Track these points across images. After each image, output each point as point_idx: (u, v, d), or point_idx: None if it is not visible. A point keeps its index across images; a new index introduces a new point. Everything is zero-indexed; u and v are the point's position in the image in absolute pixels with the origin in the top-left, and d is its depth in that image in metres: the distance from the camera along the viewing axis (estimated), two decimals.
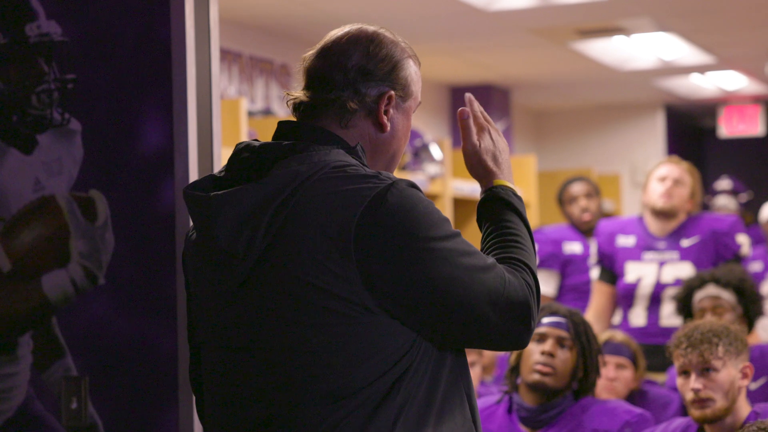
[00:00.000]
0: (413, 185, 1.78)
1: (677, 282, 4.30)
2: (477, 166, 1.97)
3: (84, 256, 2.47)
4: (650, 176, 4.53)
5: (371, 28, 1.89)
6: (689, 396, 2.83)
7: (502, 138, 2.01)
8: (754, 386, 3.64)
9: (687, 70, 8.08)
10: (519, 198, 1.95)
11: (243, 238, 1.76)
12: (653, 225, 4.49)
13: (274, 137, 1.88)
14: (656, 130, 9.64)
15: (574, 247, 5.33)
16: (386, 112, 1.87)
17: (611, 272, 4.56)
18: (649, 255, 4.46)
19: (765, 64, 7.58)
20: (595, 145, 9.65)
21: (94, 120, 2.49)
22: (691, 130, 10.74)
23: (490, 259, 1.81)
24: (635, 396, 3.78)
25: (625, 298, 4.48)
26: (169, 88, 2.44)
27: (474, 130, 1.98)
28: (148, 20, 2.45)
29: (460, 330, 1.78)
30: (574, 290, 5.25)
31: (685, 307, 3.74)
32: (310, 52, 1.90)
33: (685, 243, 4.44)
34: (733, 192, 7.46)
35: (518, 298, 1.79)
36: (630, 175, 9.50)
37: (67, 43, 2.49)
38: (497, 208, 1.92)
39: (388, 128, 1.88)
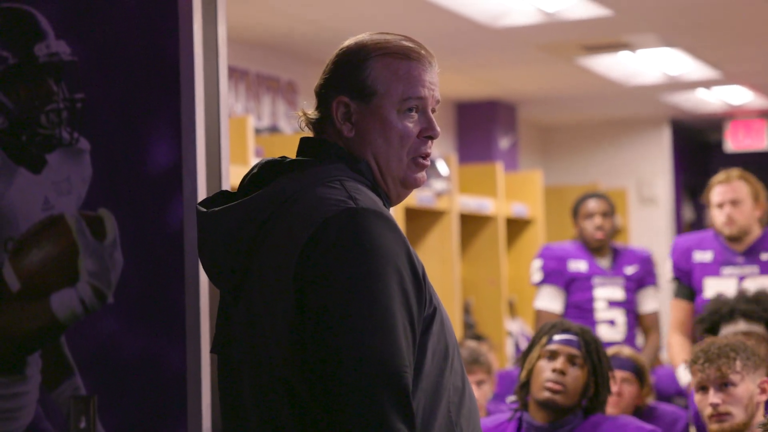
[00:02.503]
0: (389, 220, 1.73)
1: None
2: None
3: (93, 274, 2.47)
4: (709, 199, 4.39)
5: (357, 37, 1.90)
6: (708, 411, 2.82)
7: None
8: None
9: (693, 85, 8.08)
10: None
11: (229, 254, 1.80)
12: (731, 242, 4.41)
13: (297, 153, 1.91)
14: (662, 144, 9.63)
15: (579, 265, 5.31)
16: (349, 118, 1.86)
17: (689, 288, 4.48)
18: (728, 270, 4.37)
19: None
20: (602, 160, 9.64)
21: (103, 139, 2.50)
22: (697, 145, 10.73)
23: (403, 355, 1.67)
24: (644, 413, 3.77)
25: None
26: (178, 107, 2.44)
27: None
28: (156, 39, 2.46)
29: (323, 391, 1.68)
30: (577, 308, 5.23)
31: (711, 334, 3.63)
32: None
33: (765, 257, 4.35)
34: None
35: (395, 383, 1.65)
36: (636, 190, 9.49)
37: (75, 63, 2.50)
38: None
39: (349, 132, 1.85)
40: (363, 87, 1.86)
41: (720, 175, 4.44)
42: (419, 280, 1.74)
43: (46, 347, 2.51)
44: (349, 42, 1.91)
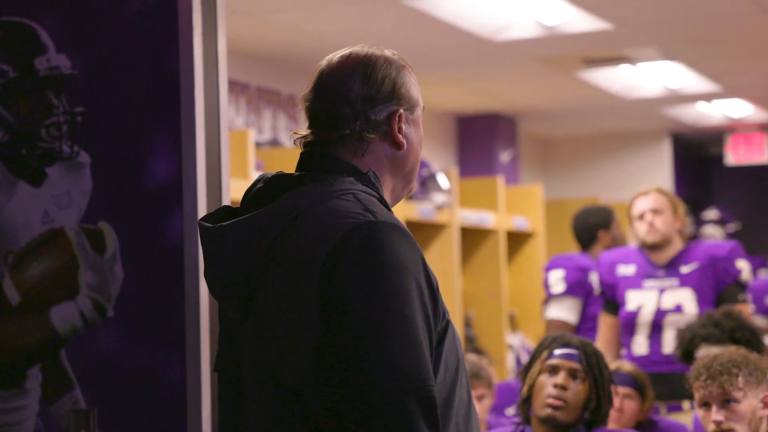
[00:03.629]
0: (398, 227, 1.73)
1: (678, 308, 4.30)
2: None
3: (93, 288, 2.47)
4: (630, 214, 4.53)
5: (361, 50, 1.88)
6: (711, 428, 2.81)
7: None
8: None
9: (693, 98, 8.09)
10: None
11: (241, 269, 1.77)
12: (652, 254, 4.49)
13: (297, 167, 1.88)
14: (663, 157, 9.64)
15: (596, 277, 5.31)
16: (399, 130, 1.86)
17: (614, 303, 4.55)
18: (649, 283, 4.46)
19: None
20: (602, 173, 9.65)
21: (103, 152, 2.50)
22: (697, 158, 10.73)
23: (426, 363, 1.68)
24: (645, 427, 3.76)
25: (626, 327, 4.46)
26: (178, 120, 2.44)
27: None
28: (156, 53, 2.46)
29: (347, 401, 1.67)
30: (594, 319, 5.24)
31: (687, 362, 3.67)
32: (308, 90, 1.88)
33: (685, 269, 4.43)
34: (721, 222, 7.45)
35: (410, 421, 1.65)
36: None
37: (76, 77, 2.51)
38: None
39: (405, 145, 1.87)
40: (409, 98, 1.87)
41: (641, 190, 4.56)
42: (435, 293, 1.75)
43: (46, 361, 2.50)
44: (358, 56, 1.87)
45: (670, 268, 4.45)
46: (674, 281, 4.42)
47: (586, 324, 5.19)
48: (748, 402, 2.80)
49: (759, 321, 6.26)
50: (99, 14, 2.51)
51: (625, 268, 4.53)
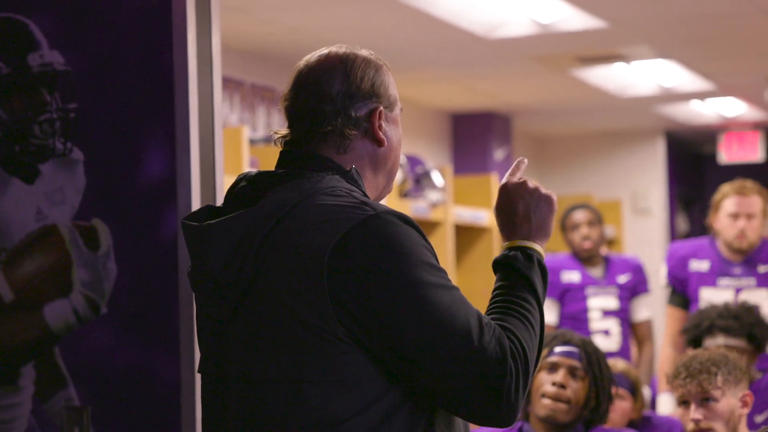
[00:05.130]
0: (402, 217, 1.76)
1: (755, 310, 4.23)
2: (506, 206, 1.90)
3: (86, 285, 2.46)
4: (719, 205, 4.37)
5: (339, 49, 1.90)
6: (690, 427, 2.83)
7: (548, 206, 1.91)
8: (760, 419, 3.60)
9: (687, 96, 8.10)
10: (541, 266, 1.86)
11: (232, 266, 1.77)
12: (727, 251, 4.41)
13: (276, 166, 1.88)
14: (657, 156, 9.64)
15: (572, 276, 5.32)
16: (380, 127, 1.88)
17: (683, 297, 4.48)
18: (724, 281, 4.37)
19: (764, 90, 7.59)
20: (596, 171, 9.65)
21: (97, 149, 2.49)
22: (691, 156, 10.75)
23: (473, 309, 1.74)
24: (639, 423, 3.76)
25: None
26: (172, 117, 2.44)
27: (520, 174, 1.92)
28: (150, 50, 2.46)
29: (425, 375, 1.71)
30: (572, 318, 5.24)
31: (695, 347, 3.66)
32: (287, 89, 1.91)
33: (762, 269, 4.35)
34: None
35: (493, 355, 1.70)
36: (631, 201, 9.50)
37: (69, 73, 2.50)
38: (513, 279, 1.84)
39: (386, 142, 1.89)
40: (388, 96, 1.89)
41: (736, 185, 4.41)
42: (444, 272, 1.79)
43: (40, 358, 2.50)
44: (337, 54, 1.89)
45: (747, 266, 4.36)
46: (751, 281, 4.34)
47: (564, 324, 5.19)
48: (727, 401, 2.82)
49: None
50: (93, 11, 2.51)
51: (699, 263, 4.43)
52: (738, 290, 4.32)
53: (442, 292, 1.72)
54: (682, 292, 4.45)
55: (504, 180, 1.93)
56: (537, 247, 1.87)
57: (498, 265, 1.86)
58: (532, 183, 1.91)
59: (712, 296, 4.34)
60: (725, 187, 4.43)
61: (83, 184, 2.50)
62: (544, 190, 1.91)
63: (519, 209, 1.89)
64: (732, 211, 4.33)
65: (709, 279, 4.38)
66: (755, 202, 4.33)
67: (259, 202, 1.79)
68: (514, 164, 1.94)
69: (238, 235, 1.77)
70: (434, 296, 1.71)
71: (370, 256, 1.71)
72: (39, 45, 2.52)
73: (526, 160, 1.96)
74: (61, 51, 2.51)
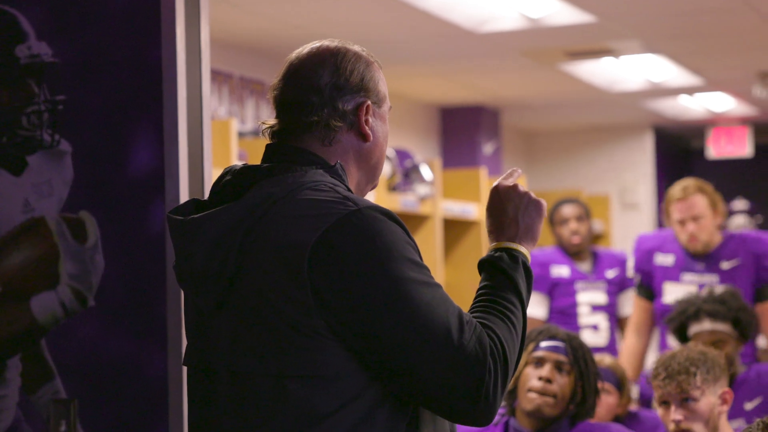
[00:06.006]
0: (386, 213, 1.76)
1: None
2: (496, 208, 1.92)
3: (73, 277, 2.46)
4: (669, 213, 4.41)
5: (331, 43, 1.91)
6: (671, 427, 2.85)
7: (537, 210, 1.93)
8: (750, 406, 3.63)
9: (675, 91, 8.11)
10: (526, 268, 1.87)
11: (216, 260, 1.77)
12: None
13: (262, 160, 1.89)
14: (645, 151, 9.66)
15: (561, 271, 5.33)
16: (366, 122, 1.88)
17: (649, 288, 4.51)
18: (688, 276, 4.40)
19: (753, 85, 7.61)
20: (585, 166, 9.67)
21: (85, 141, 2.49)
22: (679, 151, 10.77)
23: (454, 306, 1.75)
24: (626, 418, 3.77)
25: (663, 318, 4.45)
26: (160, 110, 2.43)
27: (514, 181, 1.94)
28: (139, 41, 2.45)
29: (403, 372, 1.71)
30: (561, 313, 5.25)
31: (680, 335, 3.69)
32: (277, 80, 1.92)
33: (725, 265, 4.38)
34: (750, 212, 7.44)
35: (473, 353, 1.71)
36: (619, 196, 9.52)
37: (57, 65, 2.49)
38: (498, 279, 1.85)
39: (371, 137, 1.89)
40: (377, 92, 1.90)
41: (677, 191, 4.44)
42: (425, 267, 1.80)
43: (26, 350, 2.49)
44: (328, 47, 1.89)
45: (710, 262, 4.39)
46: (714, 278, 4.37)
47: (553, 318, 5.21)
48: (707, 400, 2.83)
49: None
50: (81, 2, 2.50)
51: (663, 257, 4.48)
52: (701, 286, 4.36)
53: (423, 289, 1.72)
54: (648, 284, 4.50)
55: (496, 183, 1.94)
56: (523, 249, 1.89)
57: (483, 265, 1.87)
58: (523, 188, 1.93)
59: (676, 291, 4.39)
60: (670, 192, 4.49)
61: (71, 176, 2.49)
62: (534, 196, 1.93)
63: (508, 211, 1.90)
64: (678, 218, 4.39)
65: (673, 274, 4.42)
66: (697, 203, 4.35)
67: (243, 197, 1.79)
68: (508, 171, 1.96)
69: (222, 230, 1.77)
70: (415, 293, 1.71)
71: (352, 252, 1.71)
72: (27, 36, 2.51)
73: (519, 171, 1.98)
74: (49, 42, 2.50)
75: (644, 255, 4.51)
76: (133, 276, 2.43)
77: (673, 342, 4.33)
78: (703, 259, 4.40)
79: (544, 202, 1.94)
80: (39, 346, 2.48)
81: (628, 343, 4.58)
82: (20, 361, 2.50)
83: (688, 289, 4.34)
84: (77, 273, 2.45)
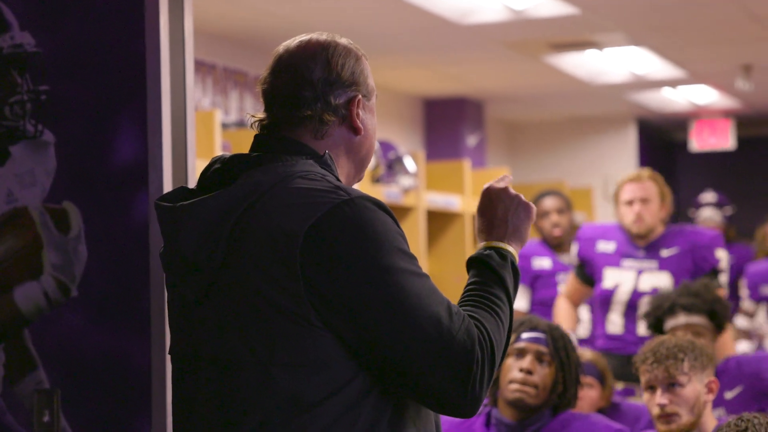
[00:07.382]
0: (376, 203, 1.77)
1: (654, 291, 4.33)
2: (487, 208, 1.95)
3: (57, 268, 2.46)
4: (618, 196, 4.55)
5: (320, 36, 1.92)
6: (655, 411, 2.87)
7: (526, 212, 1.96)
8: (730, 395, 3.66)
9: (659, 84, 8.14)
10: (514, 267, 1.91)
11: (205, 248, 1.77)
12: (634, 236, 4.53)
13: (251, 150, 1.89)
14: (628, 143, 9.69)
15: (543, 263, 5.36)
16: (357, 115, 1.90)
17: (588, 275, 4.60)
18: (627, 262, 4.49)
19: (735, 78, 7.64)
20: (568, 158, 9.69)
21: (68, 131, 2.48)
22: (662, 144, 10.81)
23: (443, 297, 1.77)
24: (607, 409, 3.79)
25: (602, 303, 4.51)
26: (144, 100, 2.43)
27: (505, 184, 1.98)
28: (122, 32, 2.44)
29: (393, 361, 1.72)
30: (543, 305, 5.27)
31: (656, 329, 3.73)
32: (266, 73, 1.92)
33: (665, 253, 4.47)
34: (718, 205, 7.50)
35: (461, 343, 1.73)
36: (602, 188, 9.55)
37: (40, 55, 2.48)
38: (487, 276, 1.87)
39: (362, 130, 1.91)
40: (366, 85, 1.92)
41: (631, 174, 4.59)
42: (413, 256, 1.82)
43: (9, 341, 2.49)
44: (318, 41, 1.90)
45: (651, 250, 4.49)
46: (653, 264, 4.47)
47: (535, 310, 5.23)
48: (693, 386, 2.85)
49: (748, 305, 6.34)
50: None
51: (605, 244, 4.57)
52: (640, 272, 4.46)
53: (413, 279, 1.74)
54: (588, 272, 4.59)
55: (487, 185, 1.98)
56: (511, 249, 1.92)
57: (473, 262, 1.90)
58: (513, 191, 1.97)
59: (616, 276, 4.49)
60: (622, 177, 4.61)
61: (54, 167, 2.49)
62: (524, 199, 1.97)
63: (498, 212, 1.94)
64: (627, 198, 4.50)
65: (614, 260, 4.51)
66: (649, 187, 4.48)
67: (232, 185, 1.80)
68: (500, 177, 2.00)
69: (211, 217, 1.77)
70: (406, 282, 1.73)
71: (343, 241, 1.72)
72: (10, 26, 2.50)
73: (510, 177, 2.02)
74: (32, 32, 2.49)
75: (586, 243, 4.61)
76: (116, 267, 2.43)
77: (614, 328, 4.44)
78: (644, 246, 4.48)
79: (533, 206, 1.98)
80: (22, 337, 2.48)
81: (561, 304, 4.72)
82: (3, 351, 2.49)
83: (627, 274, 4.43)
84: (60, 263, 2.45)
